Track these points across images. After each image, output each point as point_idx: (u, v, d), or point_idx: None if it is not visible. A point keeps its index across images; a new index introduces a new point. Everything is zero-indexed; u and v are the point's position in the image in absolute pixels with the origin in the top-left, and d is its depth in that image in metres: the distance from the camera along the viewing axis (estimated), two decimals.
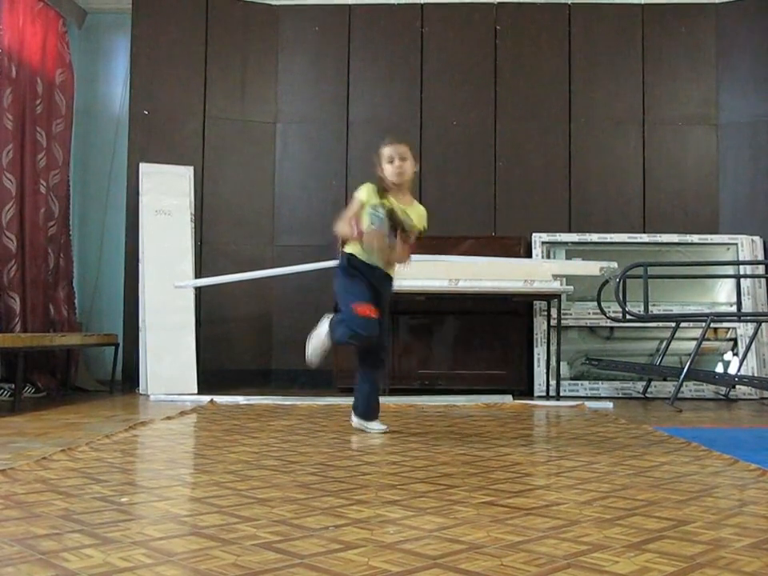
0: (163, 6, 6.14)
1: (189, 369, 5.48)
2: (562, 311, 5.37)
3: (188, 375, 5.45)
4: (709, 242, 5.98)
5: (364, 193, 3.34)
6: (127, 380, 5.74)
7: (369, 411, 3.52)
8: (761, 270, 5.88)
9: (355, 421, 3.56)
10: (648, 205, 6.16)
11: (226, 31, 6.26)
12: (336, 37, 6.31)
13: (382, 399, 4.95)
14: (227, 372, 6.03)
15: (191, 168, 5.93)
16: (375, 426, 3.52)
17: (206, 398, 4.95)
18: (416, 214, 3.39)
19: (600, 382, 5.75)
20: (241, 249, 6.17)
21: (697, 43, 6.23)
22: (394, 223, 3.28)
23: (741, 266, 5.77)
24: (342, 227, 3.36)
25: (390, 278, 3.47)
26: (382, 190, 3.33)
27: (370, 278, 3.34)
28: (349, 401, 4.86)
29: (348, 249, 3.37)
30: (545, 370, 5.67)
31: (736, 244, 5.94)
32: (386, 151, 3.34)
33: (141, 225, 5.67)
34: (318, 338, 3.39)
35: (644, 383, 5.58)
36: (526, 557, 1.56)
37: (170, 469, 2.62)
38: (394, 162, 3.33)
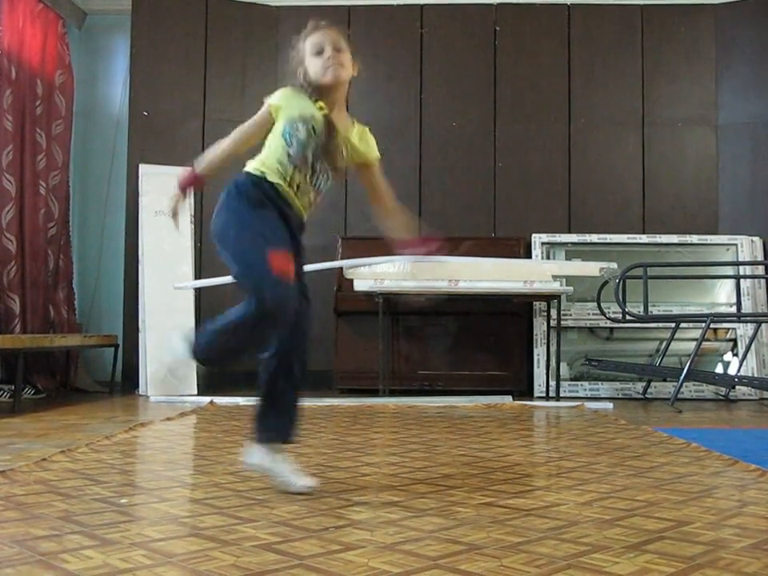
0: (163, 7, 6.14)
1: (188, 370, 5.47)
2: (561, 312, 5.37)
3: (188, 376, 5.44)
4: (708, 242, 5.98)
5: (278, 97, 2.24)
6: (127, 381, 5.74)
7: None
8: (760, 270, 5.88)
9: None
10: (647, 205, 6.16)
11: (225, 32, 6.26)
12: None
13: (383, 400, 4.98)
14: (227, 373, 6.02)
15: (191, 169, 5.92)
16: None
17: (205, 399, 4.95)
18: (362, 139, 2.31)
19: (600, 383, 5.75)
20: None
21: (696, 44, 6.24)
22: (328, 148, 2.19)
23: (740, 267, 5.77)
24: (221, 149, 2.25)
25: (303, 229, 2.29)
26: (319, 93, 2.23)
27: (287, 219, 2.19)
28: (349, 402, 4.87)
29: (256, 168, 2.20)
30: (544, 371, 5.67)
31: (735, 244, 5.93)
32: (312, 39, 2.26)
33: (140, 226, 5.67)
34: (174, 355, 2.23)
35: (644, 384, 5.58)
36: (526, 558, 1.56)
37: (169, 470, 2.61)
38: (325, 52, 2.23)
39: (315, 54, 2.22)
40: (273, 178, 2.18)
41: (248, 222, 2.11)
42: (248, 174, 2.20)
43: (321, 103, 2.21)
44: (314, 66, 2.22)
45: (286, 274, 2.04)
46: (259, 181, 2.17)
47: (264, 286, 2.03)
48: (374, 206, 2.40)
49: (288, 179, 2.18)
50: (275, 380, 2.21)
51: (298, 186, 2.19)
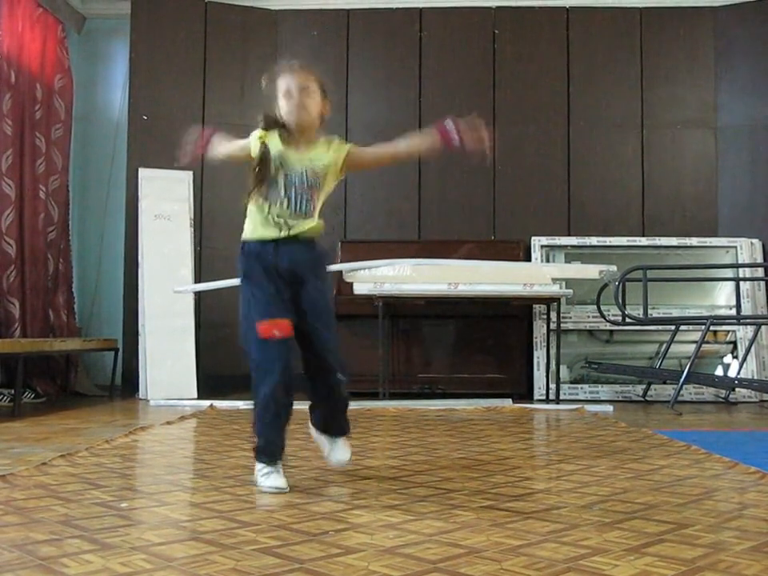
0: (162, 11, 6.15)
1: (188, 373, 5.47)
2: (561, 315, 5.37)
3: (188, 380, 5.45)
4: (708, 245, 5.98)
5: (254, 138, 2.41)
6: (127, 385, 5.73)
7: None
8: (760, 272, 5.88)
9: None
10: (647, 208, 6.16)
11: (224, 36, 6.26)
12: (335, 41, 6.32)
13: (383, 403, 4.98)
14: (227, 377, 6.02)
15: (190, 173, 5.93)
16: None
17: (205, 403, 4.94)
18: (324, 153, 2.43)
19: (600, 386, 5.75)
20: None
21: (695, 47, 6.24)
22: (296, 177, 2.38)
23: (740, 269, 5.77)
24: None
25: (309, 247, 2.45)
26: (283, 134, 2.41)
27: (272, 269, 2.42)
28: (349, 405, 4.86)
29: (243, 236, 2.50)
30: (544, 374, 5.67)
31: (735, 247, 5.94)
32: (282, 80, 2.40)
33: (140, 230, 5.67)
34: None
35: (644, 386, 5.58)
36: (526, 561, 1.56)
37: (169, 474, 2.61)
38: (292, 95, 2.37)
39: (284, 95, 2.39)
40: (253, 235, 2.44)
41: (244, 295, 2.52)
42: (241, 243, 2.50)
43: (286, 139, 2.41)
44: (283, 107, 2.39)
45: (266, 334, 2.35)
46: (245, 246, 2.47)
47: (252, 358, 2.42)
48: (393, 163, 2.64)
49: (269, 217, 2.40)
50: (327, 396, 2.53)
51: (280, 216, 2.39)
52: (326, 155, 2.42)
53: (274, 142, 2.40)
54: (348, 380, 2.48)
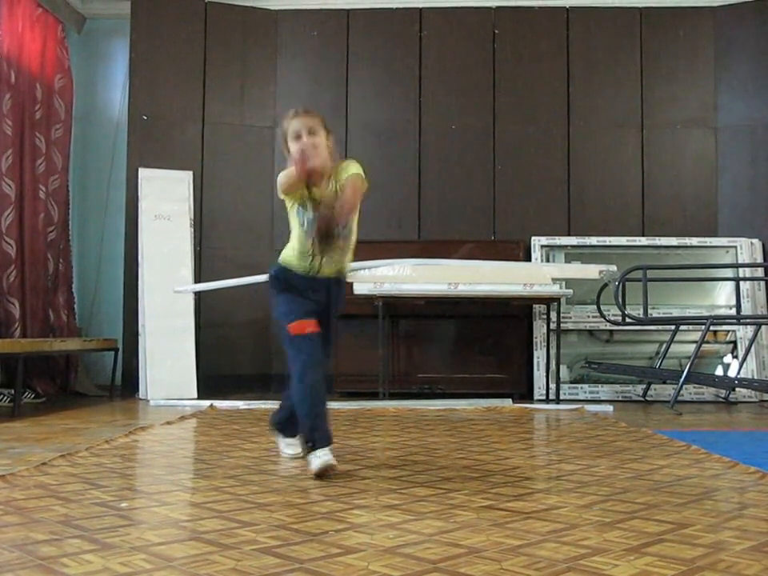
0: (162, 11, 6.14)
1: (188, 373, 5.47)
2: (561, 315, 5.37)
3: (188, 380, 5.45)
4: (708, 244, 5.98)
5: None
6: (127, 385, 5.73)
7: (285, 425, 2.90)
8: (760, 272, 5.88)
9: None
10: (647, 208, 6.16)
11: (224, 36, 6.26)
12: (335, 42, 6.32)
13: (383, 403, 4.98)
14: (227, 377, 6.03)
15: (190, 173, 5.93)
16: (285, 445, 2.93)
17: (205, 403, 4.95)
18: (341, 174, 2.65)
19: (600, 386, 5.75)
20: (240, 253, 6.17)
21: (695, 46, 6.24)
22: (327, 223, 2.58)
23: (740, 269, 5.77)
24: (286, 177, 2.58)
25: (339, 283, 2.78)
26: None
27: (311, 296, 2.68)
28: (349, 405, 4.87)
29: (282, 260, 2.73)
30: (544, 374, 5.67)
31: (735, 247, 5.94)
32: (292, 126, 2.62)
33: (140, 230, 5.68)
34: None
35: (644, 386, 5.58)
36: (526, 561, 1.56)
37: (169, 474, 2.61)
38: (302, 137, 2.59)
39: (294, 140, 2.61)
40: (293, 266, 2.68)
41: (278, 303, 2.70)
42: (278, 265, 2.72)
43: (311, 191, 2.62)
44: (294, 151, 2.59)
45: (300, 331, 2.60)
46: (282, 270, 2.70)
47: (293, 352, 2.61)
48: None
49: (309, 252, 2.65)
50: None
51: (321, 249, 2.62)
52: (340, 180, 2.63)
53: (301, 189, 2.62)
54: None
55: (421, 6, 6.32)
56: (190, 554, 1.61)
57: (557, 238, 6.02)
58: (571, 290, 5.40)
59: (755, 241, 5.95)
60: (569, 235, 6.07)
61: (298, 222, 2.66)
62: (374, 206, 6.29)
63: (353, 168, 2.64)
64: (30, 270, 5.42)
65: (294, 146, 2.59)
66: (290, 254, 2.69)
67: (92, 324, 6.29)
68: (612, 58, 6.26)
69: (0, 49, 5.19)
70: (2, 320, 5.17)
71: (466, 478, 2.51)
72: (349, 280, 5.44)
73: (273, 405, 4.90)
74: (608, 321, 5.56)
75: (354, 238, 2.72)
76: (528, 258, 5.96)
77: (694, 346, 5.03)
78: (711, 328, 5.18)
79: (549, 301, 5.46)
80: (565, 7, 6.28)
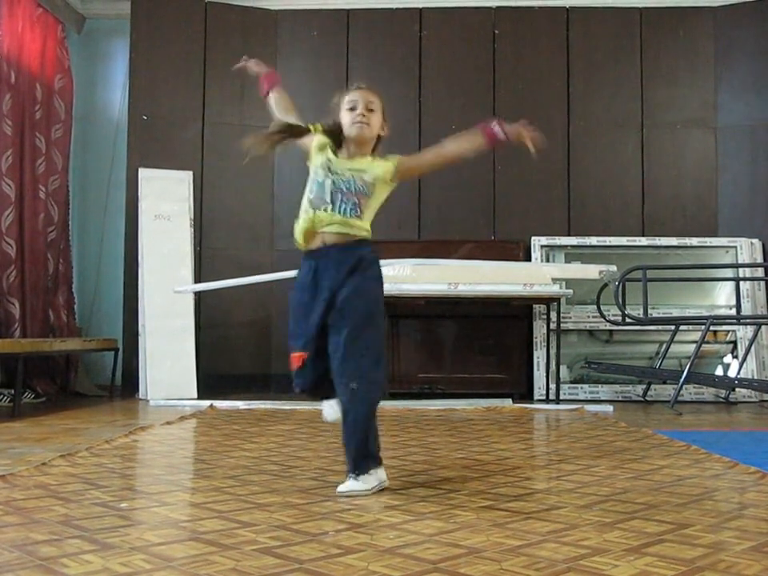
0: (162, 11, 6.14)
1: (188, 374, 5.47)
2: (561, 315, 5.37)
3: (188, 380, 5.45)
4: (708, 245, 5.98)
5: (317, 139, 2.52)
6: (127, 385, 5.73)
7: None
8: (760, 272, 5.88)
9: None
10: (647, 208, 6.16)
11: (224, 36, 6.26)
12: (335, 41, 6.32)
13: (382, 403, 4.96)
14: (227, 377, 6.03)
15: (190, 173, 5.93)
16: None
17: (205, 403, 4.95)
18: (372, 166, 2.49)
19: (600, 386, 5.75)
20: (240, 253, 6.17)
21: (695, 46, 6.24)
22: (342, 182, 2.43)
23: (740, 269, 5.77)
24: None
25: (351, 253, 2.42)
26: (336, 142, 2.52)
27: (312, 284, 2.44)
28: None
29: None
30: (544, 374, 5.67)
31: (735, 247, 5.94)
32: (349, 96, 2.50)
33: (140, 230, 5.68)
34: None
35: (644, 386, 5.58)
36: (526, 561, 1.56)
37: (169, 474, 2.61)
38: (357, 109, 2.47)
39: (348, 110, 2.48)
40: (301, 242, 2.52)
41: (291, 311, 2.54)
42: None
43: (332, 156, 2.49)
44: (345, 120, 2.48)
45: (294, 364, 2.48)
46: (302, 255, 2.53)
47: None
48: (445, 166, 2.67)
49: (313, 223, 2.44)
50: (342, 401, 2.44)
51: (323, 221, 2.42)
52: (374, 169, 2.48)
53: (323, 144, 2.50)
54: (365, 389, 2.34)
55: (421, 6, 6.32)
56: (190, 555, 1.61)
57: (557, 238, 6.01)
58: (571, 290, 5.40)
59: (755, 241, 5.95)
60: (569, 235, 6.07)
61: (308, 188, 2.49)
62: None
63: (391, 159, 2.52)
64: (30, 270, 5.42)
65: (345, 116, 2.47)
66: (297, 235, 2.52)
67: (92, 324, 6.29)
68: (612, 58, 6.26)
69: (0, 49, 5.19)
70: (2, 320, 5.17)
71: (466, 478, 2.51)
72: None
73: (273, 404, 4.92)
74: (608, 321, 5.55)
75: (361, 224, 2.43)
76: (528, 258, 5.96)
77: (694, 346, 5.03)
78: (711, 328, 5.18)
79: (549, 301, 5.46)
80: (565, 7, 6.28)
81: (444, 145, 2.55)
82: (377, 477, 2.32)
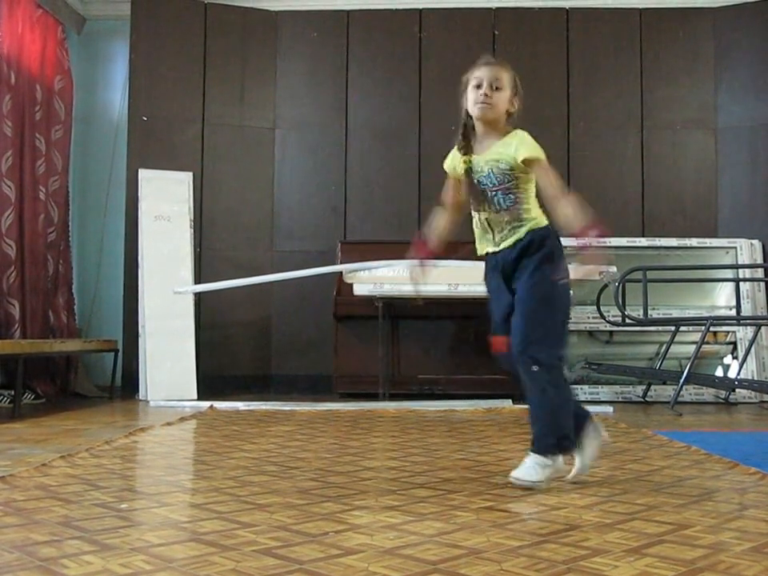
0: (162, 12, 6.15)
1: (188, 374, 5.47)
2: None
3: (188, 381, 5.45)
4: (708, 245, 5.98)
5: (446, 165, 2.59)
6: (127, 386, 5.73)
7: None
8: (760, 273, 5.88)
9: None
10: (647, 209, 6.16)
11: (224, 37, 6.27)
12: (334, 42, 6.32)
13: (383, 404, 4.98)
14: (227, 378, 6.03)
15: (190, 174, 5.94)
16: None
17: (205, 404, 4.94)
18: (504, 152, 2.42)
19: (600, 386, 5.75)
20: (240, 254, 6.17)
21: (695, 47, 6.24)
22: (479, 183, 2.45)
23: (740, 270, 5.77)
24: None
25: (520, 251, 2.48)
26: (465, 142, 2.50)
27: (497, 278, 2.55)
28: (349, 406, 4.87)
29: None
30: None
31: (735, 247, 5.94)
32: (476, 73, 2.43)
33: (140, 231, 5.68)
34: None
35: (644, 387, 5.58)
36: (526, 561, 1.56)
37: (169, 475, 2.61)
38: (482, 87, 2.40)
39: (474, 87, 2.43)
40: (480, 246, 2.59)
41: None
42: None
43: (465, 157, 2.49)
44: (470, 98, 2.45)
45: (495, 349, 2.60)
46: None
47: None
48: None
49: (483, 225, 2.51)
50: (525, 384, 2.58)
51: (489, 222, 2.48)
52: (506, 154, 2.42)
53: (454, 160, 2.54)
54: (547, 369, 2.49)
55: (421, 6, 6.32)
56: (190, 555, 1.61)
57: None
58: (571, 291, 5.38)
59: (755, 241, 5.95)
60: (569, 236, 6.05)
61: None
62: (373, 206, 6.30)
63: (523, 149, 2.39)
64: (30, 270, 5.42)
65: (471, 94, 2.43)
66: (476, 237, 2.57)
67: (92, 325, 6.29)
68: (612, 58, 6.26)
69: (0, 50, 5.19)
70: (2, 321, 5.17)
71: (466, 479, 2.51)
72: (349, 281, 5.46)
73: (273, 405, 4.92)
74: (608, 321, 5.55)
75: (527, 206, 2.44)
76: None
77: (694, 346, 5.03)
78: (711, 329, 5.18)
79: None
80: (565, 8, 6.28)
81: (562, 204, 2.45)
82: (555, 466, 2.34)
